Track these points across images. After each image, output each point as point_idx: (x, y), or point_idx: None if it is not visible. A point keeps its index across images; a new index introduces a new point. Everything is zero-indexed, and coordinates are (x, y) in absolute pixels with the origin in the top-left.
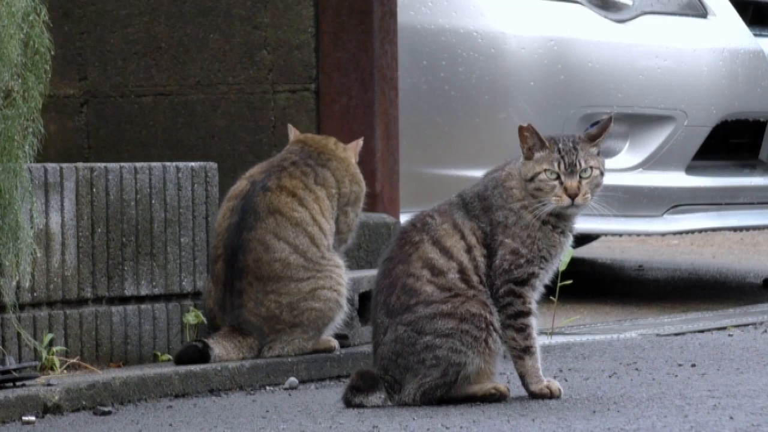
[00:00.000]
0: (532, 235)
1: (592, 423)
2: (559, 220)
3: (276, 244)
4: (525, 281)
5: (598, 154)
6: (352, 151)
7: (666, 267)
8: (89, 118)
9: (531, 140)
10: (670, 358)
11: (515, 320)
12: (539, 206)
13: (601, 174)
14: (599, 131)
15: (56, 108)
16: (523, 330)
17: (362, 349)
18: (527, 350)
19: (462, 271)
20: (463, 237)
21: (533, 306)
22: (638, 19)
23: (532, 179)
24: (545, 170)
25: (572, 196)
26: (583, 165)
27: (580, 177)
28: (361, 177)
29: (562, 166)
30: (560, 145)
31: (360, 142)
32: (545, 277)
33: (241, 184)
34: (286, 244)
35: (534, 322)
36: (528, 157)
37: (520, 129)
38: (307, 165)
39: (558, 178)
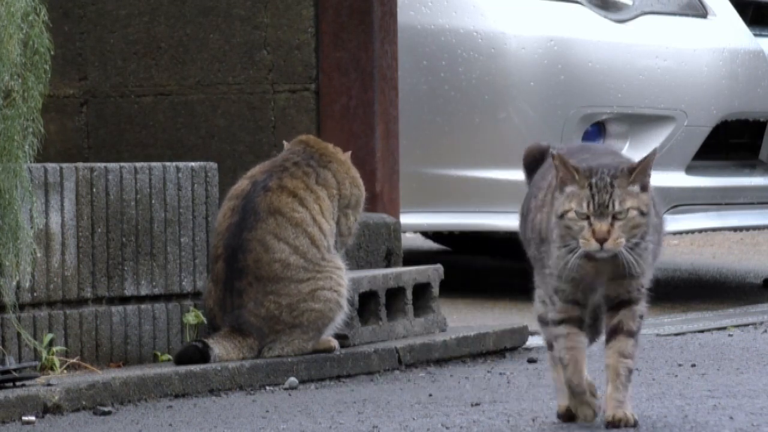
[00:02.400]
0: (552, 250)
1: (591, 423)
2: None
3: (276, 244)
4: (553, 293)
5: (644, 189)
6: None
7: (666, 267)
8: (89, 118)
9: (561, 171)
10: (670, 358)
11: (551, 329)
12: (569, 250)
13: (642, 214)
14: (637, 165)
15: (56, 108)
16: (555, 340)
17: (362, 349)
18: (559, 361)
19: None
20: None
21: (565, 315)
22: (638, 19)
23: (561, 216)
24: (574, 210)
25: (600, 241)
26: (617, 206)
27: (614, 218)
28: (360, 182)
29: (591, 206)
30: (594, 180)
31: (348, 154)
32: (574, 295)
33: (242, 184)
34: (286, 245)
35: (565, 330)
36: (561, 189)
37: (552, 158)
38: (309, 165)
39: (587, 218)
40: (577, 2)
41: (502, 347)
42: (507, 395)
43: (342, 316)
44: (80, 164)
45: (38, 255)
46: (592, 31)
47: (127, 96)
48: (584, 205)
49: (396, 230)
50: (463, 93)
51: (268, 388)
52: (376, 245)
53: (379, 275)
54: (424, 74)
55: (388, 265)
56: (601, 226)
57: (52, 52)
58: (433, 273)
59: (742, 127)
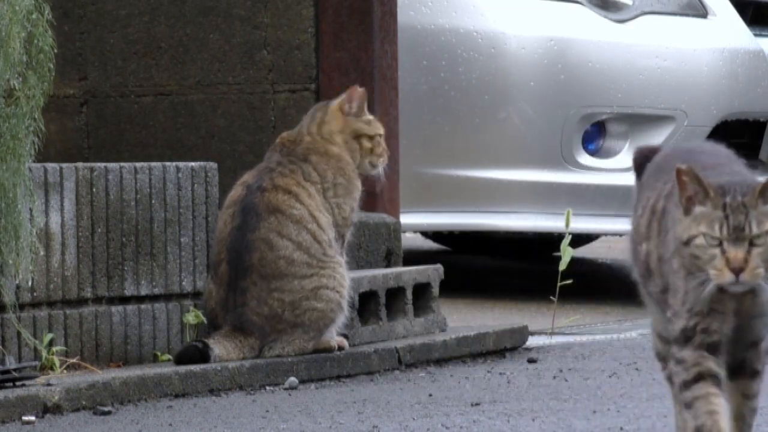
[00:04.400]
0: (676, 284)
1: (592, 423)
2: None
3: (280, 241)
4: (678, 340)
5: None
6: (338, 113)
7: None
8: (89, 118)
9: (692, 188)
10: None
11: (682, 394)
12: (699, 283)
13: None
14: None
15: (56, 108)
16: (690, 406)
17: (362, 349)
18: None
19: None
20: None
21: (701, 368)
22: (638, 19)
23: (687, 243)
24: (703, 234)
25: (736, 271)
26: (755, 229)
27: (751, 244)
28: (348, 169)
29: (725, 229)
30: (728, 200)
31: (355, 91)
32: (706, 336)
33: (236, 191)
34: (290, 242)
35: (702, 390)
36: (687, 210)
37: (678, 172)
38: (292, 162)
39: (720, 244)
40: (577, 2)
41: (502, 347)
42: (507, 395)
43: (342, 318)
44: (80, 164)
45: (41, 254)
46: (592, 31)
47: (127, 96)
48: (716, 227)
49: (396, 230)
50: (463, 93)
51: (268, 388)
52: (376, 245)
53: (379, 275)
54: (424, 74)
55: (388, 265)
56: (737, 253)
57: (55, 50)
58: (433, 273)
59: (742, 127)
